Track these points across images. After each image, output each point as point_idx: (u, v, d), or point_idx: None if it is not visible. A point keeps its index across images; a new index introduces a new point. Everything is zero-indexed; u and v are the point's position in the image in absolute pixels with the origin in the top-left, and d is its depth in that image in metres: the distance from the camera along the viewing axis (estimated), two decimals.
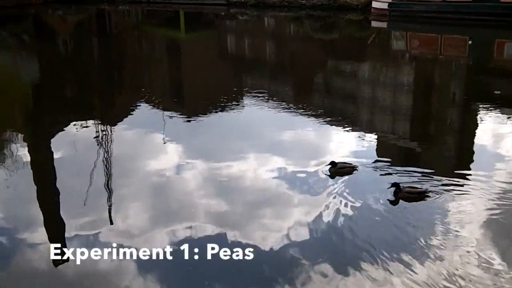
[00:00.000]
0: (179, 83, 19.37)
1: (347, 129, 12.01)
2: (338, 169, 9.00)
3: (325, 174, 9.07)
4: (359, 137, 11.45)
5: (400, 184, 8.22)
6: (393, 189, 8.17)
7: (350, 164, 9.23)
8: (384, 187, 8.32)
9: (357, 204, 7.98)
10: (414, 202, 8.01)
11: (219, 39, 30.35)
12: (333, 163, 9.07)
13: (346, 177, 8.83)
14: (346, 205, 7.97)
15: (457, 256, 6.57)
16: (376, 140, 11.28)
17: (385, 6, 30.72)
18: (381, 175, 9.08)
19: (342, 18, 32.99)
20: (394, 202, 8.04)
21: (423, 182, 8.62)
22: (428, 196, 8.11)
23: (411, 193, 8.10)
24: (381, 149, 10.68)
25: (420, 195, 8.12)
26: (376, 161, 9.81)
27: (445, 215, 7.66)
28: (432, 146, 11.37)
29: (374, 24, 31.01)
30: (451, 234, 7.11)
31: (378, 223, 7.52)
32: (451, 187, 8.51)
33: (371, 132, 11.84)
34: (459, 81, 18.06)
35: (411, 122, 13.45)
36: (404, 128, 13.02)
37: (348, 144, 10.94)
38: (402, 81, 17.88)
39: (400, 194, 8.10)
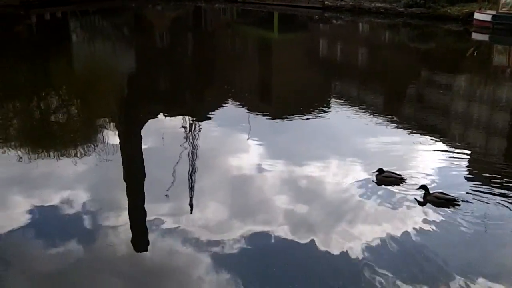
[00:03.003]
0: (268, 83, 19.49)
1: (437, 143, 11.49)
2: (383, 177, 8.97)
3: (372, 181, 8.96)
4: (448, 152, 10.91)
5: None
6: (422, 191, 8.39)
7: (399, 175, 9.06)
8: (470, 207, 8.05)
9: (438, 220, 7.72)
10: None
11: (311, 42, 30.23)
12: (380, 170, 9.05)
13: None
14: (425, 220, 7.74)
15: None
16: (466, 157, 10.69)
17: (488, 18, 29.24)
18: (468, 193, 8.66)
19: (440, 28, 31.79)
20: (421, 203, 8.21)
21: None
22: (458, 205, 8.11)
23: (439, 198, 8.21)
24: (472, 167, 10.14)
25: (448, 202, 8.16)
26: (466, 179, 9.39)
27: None
28: None
29: (475, 36, 29.60)
30: None
31: (458, 243, 7.22)
32: None
33: (462, 149, 11.22)
34: None
35: (507, 141, 12.70)
36: (499, 147, 12.30)
37: (435, 158, 10.47)
38: (501, 98, 16.93)
39: (428, 197, 8.27)
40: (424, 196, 8.32)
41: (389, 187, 8.75)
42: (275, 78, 20.18)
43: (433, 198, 8.20)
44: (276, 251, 7.03)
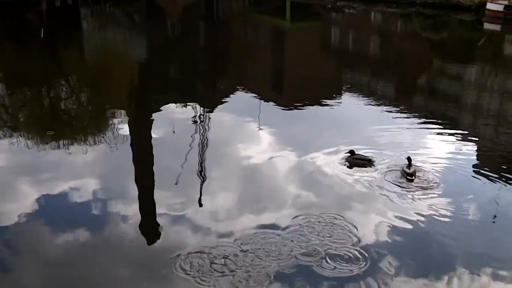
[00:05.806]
0: (280, 72, 19.56)
1: (446, 132, 11.58)
2: (353, 159, 9.44)
3: (343, 165, 9.36)
4: (457, 142, 11.03)
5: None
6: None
7: (367, 157, 9.50)
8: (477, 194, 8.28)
9: (450, 210, 7.87)
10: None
11: (323, 31, 30.18)
12: (351, 152, 9.53)
13: (425, 177, 8.76)
14: (430, 207, 7.93)
15: None
16: (475, 147, 10.80)
17: (500, 8, 28.93)
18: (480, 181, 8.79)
19: (453, 18, 31.55)
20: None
21: None
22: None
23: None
24: (481, 156, 10.24)
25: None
26: (475, 166, 9.53)
27: None
28: None
29: (487, 26, 29.35)
30: None
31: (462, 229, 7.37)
32: None
33: (471, 138, 11.31)
34: None
35: None
36: (508, 137, 12.33)
37: (444, 147, 10.61)
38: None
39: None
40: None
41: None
42: (287, 67, 20.25)
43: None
44: (283, 234, 7.17)
